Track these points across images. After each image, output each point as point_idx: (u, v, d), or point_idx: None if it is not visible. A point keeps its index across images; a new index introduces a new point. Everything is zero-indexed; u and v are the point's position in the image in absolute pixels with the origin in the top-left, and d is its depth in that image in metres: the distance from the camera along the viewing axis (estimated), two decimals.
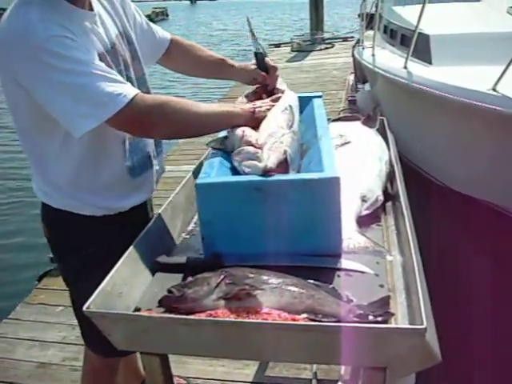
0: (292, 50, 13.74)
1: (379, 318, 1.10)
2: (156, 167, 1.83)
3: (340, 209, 1.33)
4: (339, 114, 5.79)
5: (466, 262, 3.95)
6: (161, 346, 1.22)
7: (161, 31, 1.95)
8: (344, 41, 14.28)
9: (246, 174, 1.40)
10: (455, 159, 4.43)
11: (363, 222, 1.56)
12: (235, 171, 1.48)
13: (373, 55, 6.01)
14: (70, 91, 1.41)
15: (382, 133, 2.11)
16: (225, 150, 1.58)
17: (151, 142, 1.78)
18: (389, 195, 1.72)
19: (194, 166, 1.90)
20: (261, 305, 1.16)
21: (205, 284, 1.21)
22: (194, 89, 12.31)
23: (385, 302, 1.16)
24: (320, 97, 1.96)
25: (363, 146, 1.91)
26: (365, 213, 1.60)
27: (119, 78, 1.49)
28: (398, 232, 1.51)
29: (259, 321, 1.12)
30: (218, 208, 1.35)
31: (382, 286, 1.26)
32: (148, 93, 1.79)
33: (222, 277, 1.22)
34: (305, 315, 1.14)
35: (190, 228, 1.69)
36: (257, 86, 1.95)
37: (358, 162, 1.77)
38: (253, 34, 1.96)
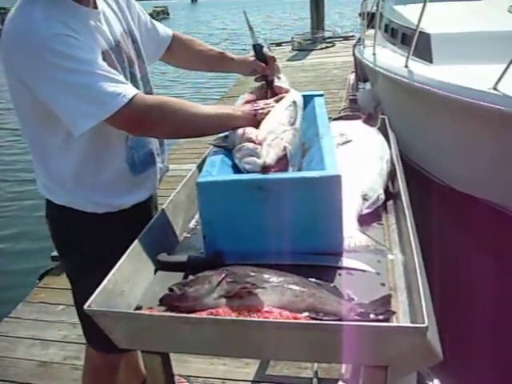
0: (293, 49, 13.73)
1: (380, 317, 1.10)
2: (159, 165, 1.84)
3: (341, 207, 1.32)
4: (340, 112, 5.79)
5: (466, 260, 3.95)
6: (162, 345, 1.22)
7: (163, 28, 1.96)
8: (345, 40, 14.28)
9: (247, 170, 1.40)
10: (456, 158, 4.43)
11: (364, 220, 1.56)
12: (237, 169, 1.49)
13: (374, 54, 6.01)
14: (71, 90, 1.42)
15: (383, 131, 2.11)
16: (227, 148, 1.58)
17: (154, 139, 1.79)
18: (390, 194, 1.72)
19: (196, 165, 1.89)
20: (262, 303, 1.15)
21: (206, 282, 1.21)
22: (193, 88, 12.32)
23: (386, 300, 1.16)
24: (321, 95, 1.96)
25: (364, 144, 1.91)
26: (366, 211, 1.60)
27: (121, 78, 1.50)
28: (399, 231, 1.51)
29: (260, 319, 1.12)
30: (219, 206, 1.35)
31: (383, 284, 1.26)
32: (151, 91, 1.80)
33: (223, 275, 1.22)
34: (306, 314, 1.14)
35: (191, 226, 1.69)
36: (262, 82, 1.95)
37: (359, 160, 1.77)
38: (250, 27, 1.98)
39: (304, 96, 1.89)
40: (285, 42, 15.20)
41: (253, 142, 1.46)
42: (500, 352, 3.02)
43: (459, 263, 3.95)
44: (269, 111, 1.62)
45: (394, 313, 1.13)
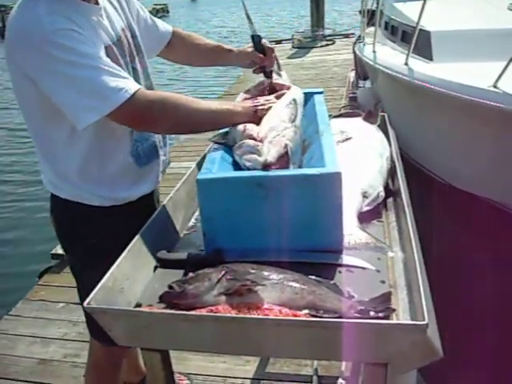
0: (293, 47, 13.72)
1: (380, 314, 1.10)
2: (162, 157, 1.85)
3: (341, 204, 1.32)
4: (340, 110, 5.79)
5: (466, 258, 3.95)
6: (162, 342, 1.22)
7: (163, 24, 1.99)
8: (345, 37, 14.26)
9: (248, 167, 1.39)
10: (456, 156, 4.43)
11: (364, 218, 1.56)
12: (237, 166, 1.48)
13: (374, 52, 6.01)
14: (74, 84, 1.43)
15: (383, 129, 2.11)
16: (227, 145, 1.58)
17: None
18: (390, 191, 1.71)
19: (195, 162, 1.89)
20: (262, 300, 1.15)
21: (206, 280, 1.21)
22: (193, 87, 12.30)
23: (386, 297, 1.16)
24: (321, 93, 1.95)
25: (364, 142, 1.91)
26: (366, 209, 1.60)
27: (123, 73, 1.51)
28: (399, 228, 1.51)
29: (260, 317, 1.12)
30: (219, 204, 1.35)
31: (383, 281, 1.25)
32: (151, 86, 1.81)
33: (223, 272, 1.22)
34: (306, 311, 1.14)
35: (191, 224, 1.69)
36: (260, 80, 1.94)
37: (359, 158, 1.76)
38: (248, 17, 1.98)
39: (304, 93, 1.88)
40: (285, 40, 15.18)
41: (253, 139, 1.45)
42: (500, 350, 3.02)
43: (459, 261, 3.95)
44: (269, 107, 1.62)
45: (394, 310, 1.12)
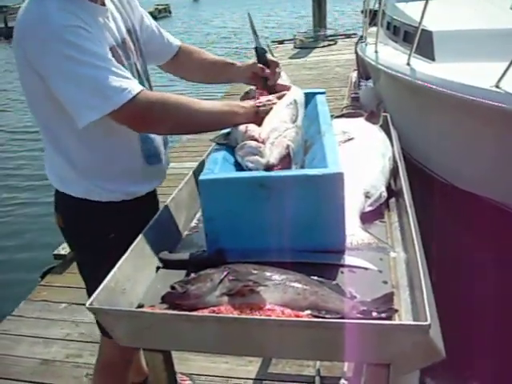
0: (295, 47, 13.73)
1: (383, 315, 1.10)
2: (166, 156, 1.88)
3: (343, 205, 1.32)
4: (342, 110, 5.78)
5: (469, 258, 3.94)
6: (164, 343, 1.22)
7: (170, 37, 1.99)
8: (347, 37, 14.26)
9: (250, 168, 1.39)
10: (458, 156, 4.43)
11: (366, 218, 1.56)
12: (239, 167, 1.48)
13: (376, 52, 6.01)
14: (77, 81, 1.44)
15: (386, 129, 2.11)
16: (228, 145, 1.58)
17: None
18: (392, 192, 1.71)
19: (197, 163, 1.90)
20: (264, 301, 1.15)
21: (208, 280, 1.21)
22: (194, 87, 12.29)
23: (388, 298, 1.16)
24: (323, 93, 1.95)
25: (366, 142, 1.90)
26: (368, 209, 1.60)
27: (127, 73, 1.52)
28: (401, 228, 1.50)
29: (262, 317, 1.12)
30: (221, 204, 1.35)
31: (385, 282, 1.25)
32: (150, 88, 1.82)
33: (225, 273, 1.22)
34: (308, 311, 1.13)
35: (193, 224, 1.69)
36: (249, 88, 1.92)
37: (362, 158, 1.76)
38: (254, 30, 1.95)
39: (306, 94, 1.88)
40: (287, 40, 15.19)
41: (255, 140, 1.45)
42: (503, 349, 3.02)
43: (461, 261, 3.94)
44: (271, 108, 1.62)
45: (396, 311, 1.12)
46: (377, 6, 7.07)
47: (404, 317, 1.13)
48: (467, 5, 5.82)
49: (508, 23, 4.72)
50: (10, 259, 5.33)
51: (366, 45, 6.74)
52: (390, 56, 5.63)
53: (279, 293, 1.17)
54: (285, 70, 1.98)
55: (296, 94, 1.74)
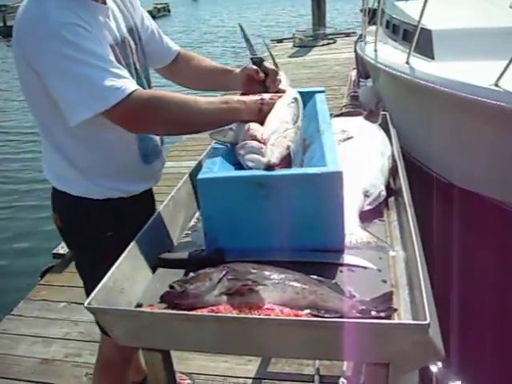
0: (294, 46, 13.72)
1: (382, 314, 1.10)
2: (162, 155, 1.88)
3: (343, 204, 1.32)
4: (341, 109, 5.78)
5: (468, 257, 3.94)
6: (163, 342, 1.22)
7: (170, 41, 1.98)
8: (346, 36, 14.25)
9: (249, 167, 1.38)
10: (457, 155, 4.43)
11: (366, 217, 1.56)
12: (238, 166, 1.48)
13: (375, 50, 6.01)
14: (71, 79, 1.44)
15: (385, 128, 2.10)
16: (227, 142, 1.57)
17: None
18: (391, 190, 1.71)
19: (196, 162, 1.89)
20: (263, 300, 1.15)
21: (207, 279, 1.20)
22: None
23: (387, 297, 1.16)
24: (322, 92, 1.95)
25: (366, 141, 1.90)
26: (367, 208, 1.59)
27: (124, 72, 1.51)
28: (400, 227, 1.50)
29: (261, 316, 1.11)
30: (220, 203, 1.35)
31: (384, 281, 1.25)
32: (150, 89, 1.81)
33: (224, 272, 1.21)
34: (307, 311, 1.13)
35: (192, 223, 1.69)
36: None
37: (361, 157, 1.76)
38: (247, 40, 1.88)
39: (305, 92, 1.88)
40: (286, 39, 15.18)
41: (257, 140, 1.44)
42: (502, 349, 3.02)
43: (461, 260, 3.94)
44: (273, 105, 1.60)
45: (395, 310, 1.12)
46: (376, 4, 7.07)
47: (403, 316, 1.13)
48: (466, 3, 5.82)
49: (507, 22, 4.71)
50: (9, 259, 5.33)
51: (366, 43, 6.74)
52: (390, 55, 5.63)
53: (278, 292, 1.16)
54: (284, 71, 1.93)
55: (295, 93, 1.73)
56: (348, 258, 1.34)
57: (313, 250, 1.34)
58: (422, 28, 4.64)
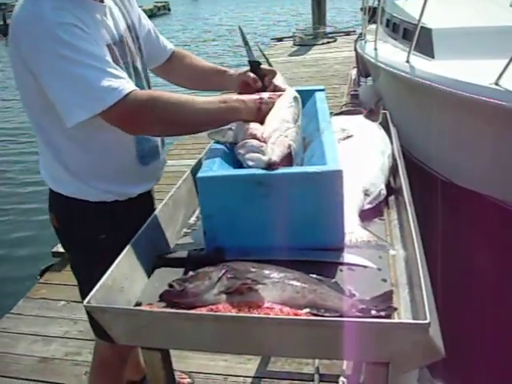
0: (294, 44, 13.73)
1: (382, 313, 1.09)
2: (161, 156, 1.86)
3: (343, 202, 1.31)
4: (341, 108, 5.78)
5: (469, 256, 3.94)
6: (162, 341, 1.21)
7: (165, 40, 1.97)
8: (346, 35, 14.25)
9: (250, 166, 1.38)
10: (458, 154, 4.42)
11: (366, 216, 1.55)
12: (237, 165, 1.47)
13: (375, 49, 6.00)
14: (69, 80, 1.43)
15: (385, 127, 2.10)
16: (227, 142, 1.56)
17: None
18: (391, 189, 1.71)
19: (196, 160, 1.89)
20: (263, 299, 1.15)
21: (206, 278, 1.20)
22: None
23: (388, 296, 1.15)
24: (323, 90, 1.94)
25: (366, 139, 1.90)
26: (367, 207, 1.59)
27: (121, 73, 1.49)
28: (400, 226, 1.50)
29: (261, 316, 1.11)
30: (219, 202, 1.34)
31: (384, 280, 1.24)
32: (150, 87, 1.80)
33: (223, 271, 1.21)
34: (307, 310, 1.13)
35: (191, 222, 1.69)
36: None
37: (361, 155, 1.76)
38: (246, 43, 1.85)
39: (305, 91, 1.87)
40: (286, 37, 15.17)
41: (257, 139, 1.43)
42: (503, 348, 3.01)
43: (462, 259, 3.94)
44: (273, 105, 1.59)
45: (395, 309, 1.12)
46: (376, 3, 7.06)
47: (403, 315, 1.13)
48: (466, 2, 5.81)
49: (508, 20, 4.71)
50: (8, 257, 5.33)
51: (366, 42, 6.73)
52: (390, 53, 5.62)
53: (278, 291, 1.16)
54: (282, 71, 1.92)
55: (295, 92, 1.72)
56: (348, 257, 1.34)
57: (313, 249, 1.34)
58: (422, 27, 4.63)
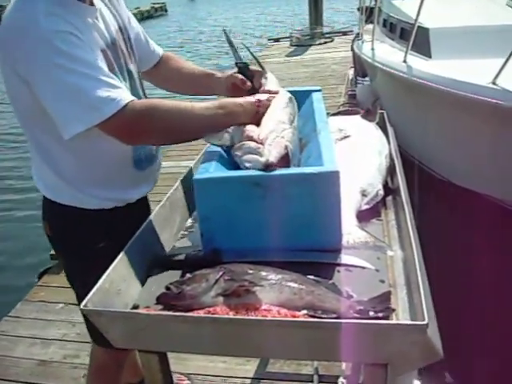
0: (291, 45, 13.71)
1: (380, 314, 1.09)
2: (158, 159, 1.84)
3: (340, 203, 1.31)
4: (339, 108, 5.78)
5: (467, 256, 3.94)
6: (159, 344, 1.21)
7: (154, 44, 1.94)
8: (343, 35, 14.22)
9: (247, 168, 1.37)
10: (455, 153, 4.43)
11: (363, 216, 1.55)
12: (234, 166, 1.46)
13: (372, 49, 6.01)
14: (66, 90, 1.39)
15: (382, 127, 2.10)
16: (223, 145, 1.55)
17: None
18: (389, 189, 1.71)
19: (193, 162, 1.88)
20: (260, 301, 1.14)
21: (203, 280, 1.20)
22: None
23: (385, 297, 1.15)
24: (319, 91, 1.94)
25: (363, 139, 1.90)
26: (365, 207, 1.59)
27: (117, 82, 1.46)
28: (398, 227, 1.50)
29: (258, 318, 1.11)
30: (216, 203, 1.34)
31: (382, 281, 1.24)
32: (143, 89, 1.78)
33: (220, 273, 1.21)
34: (304, 311, 1.13)
35: (188, 224, 1.68)
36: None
37: (358, 156, 1.76)
38: (231, 45, 1.85)
39: (302, 91, 1.87)
40: (283, 38, 15.16)
41: (254, 140, 1.43)
42: (502, 347, 3.02)
43: (460, 259, 3.94)
44: (269, 106, 1.58)
45: (393, 310, 1.12)
46: (373, 3, 7.07)
47: (401, 316, 1.13)
48: (463, 1, 5.83)
49: (504, 19, 4.72)
50: (6, 260, 5.32)
51: (363, 42, 6.74)
52: (387, 53, 5.63)
53: (275, 293, 1.16)
54: (279, 71, 1.91)
55: (288, 94, 1.71)
56: (345, 258, 1.34)
57: (310, 250, 1.34)
58: (419, 26, 4.64)
